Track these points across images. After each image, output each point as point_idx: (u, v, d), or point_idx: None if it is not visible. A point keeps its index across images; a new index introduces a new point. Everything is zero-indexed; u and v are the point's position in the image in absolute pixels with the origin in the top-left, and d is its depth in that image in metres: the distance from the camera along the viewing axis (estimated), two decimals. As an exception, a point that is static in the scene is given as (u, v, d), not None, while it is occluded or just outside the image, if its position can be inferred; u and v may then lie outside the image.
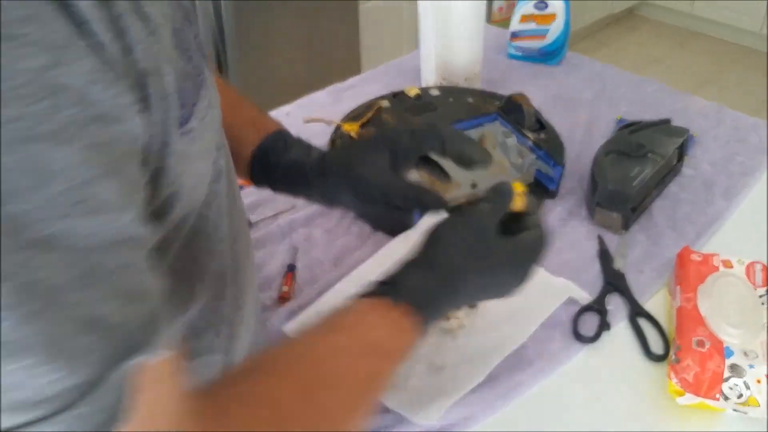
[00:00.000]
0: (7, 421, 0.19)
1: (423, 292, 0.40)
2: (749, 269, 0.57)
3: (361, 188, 0.47)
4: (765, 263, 0.58)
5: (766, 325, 0.52)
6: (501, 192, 0.45)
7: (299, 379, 0.33)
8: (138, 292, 0.22)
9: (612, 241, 0.67)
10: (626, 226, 0.67)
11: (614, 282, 0.61)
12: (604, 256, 0.65)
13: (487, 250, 0.42)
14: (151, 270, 0.24)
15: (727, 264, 0.58)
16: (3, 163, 0.18)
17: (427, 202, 0.49)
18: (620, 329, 0.58)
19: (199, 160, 0.31)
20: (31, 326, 0.19)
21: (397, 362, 0.38)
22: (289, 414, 0.31)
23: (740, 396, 0.48)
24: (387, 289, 0.40)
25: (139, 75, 0.24)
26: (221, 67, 1.55)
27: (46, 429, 0.19)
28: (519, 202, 0.46)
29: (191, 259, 0.35)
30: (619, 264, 0.63)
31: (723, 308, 0.53)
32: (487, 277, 0.42)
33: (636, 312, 0.59)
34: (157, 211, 0.28)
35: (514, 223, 0.45)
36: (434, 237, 0.43)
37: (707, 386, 0.49)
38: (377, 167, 0.48)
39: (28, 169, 0.19)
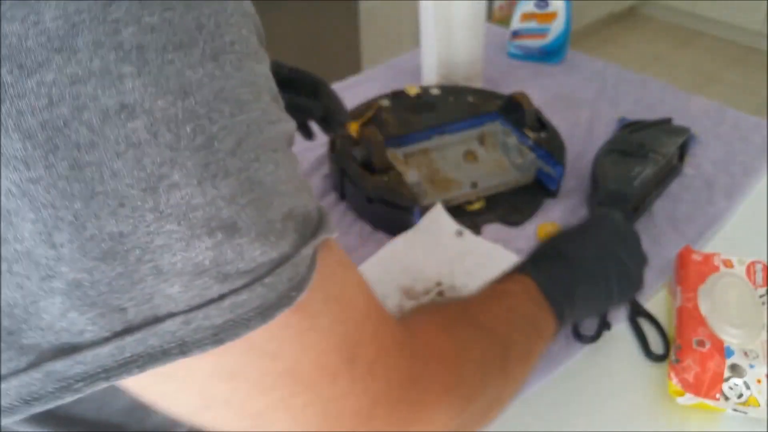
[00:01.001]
0: (219, 290, 0.21)
1: (556, 280, 0.44)
2: (750, 269, 0.57)
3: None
4: (765, 263, 0.58)
5: (766, 325, 0.52)
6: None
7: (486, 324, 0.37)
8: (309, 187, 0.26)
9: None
10: (627, 225, 0.67)
11: None
12: None
13: (619, 241, 0.49)
14: None
15: (728, 264, 0.58)
16: (233, 78, 0.21)
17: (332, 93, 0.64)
18: (620, 329, 0.58)
19: None
20: (250, 211, 0.22)
21: (543, 343, 0.42)
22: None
23: (740, 396, 0.48)
24: (526, 269, 0.45)
25: None
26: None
27: (244, 297, 0.22)
28: None
29: None
30: None
31: (724, 308, 0.53)
32: (620, 267, 0.47)
33: (636, 312, 0.59)
34: None
35: None
36: (566, 235, 0.50)
37: (707, 386, 0.49)
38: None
39: (247, 83, 0.22)
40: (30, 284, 0.19)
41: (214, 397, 0.23)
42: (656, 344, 0.56)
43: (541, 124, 0.77)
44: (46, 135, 0.17)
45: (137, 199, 0.19)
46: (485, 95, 0.85)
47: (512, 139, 0.76)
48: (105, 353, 0.20)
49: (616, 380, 0.54)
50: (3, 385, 0.20)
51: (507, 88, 0.87)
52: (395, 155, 0.74)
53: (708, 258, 0.59)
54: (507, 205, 0.72)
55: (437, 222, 0.68)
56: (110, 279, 0.19)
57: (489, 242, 0.66)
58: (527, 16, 1.01)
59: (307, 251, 0.24)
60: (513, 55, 1.06)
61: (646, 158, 0.70)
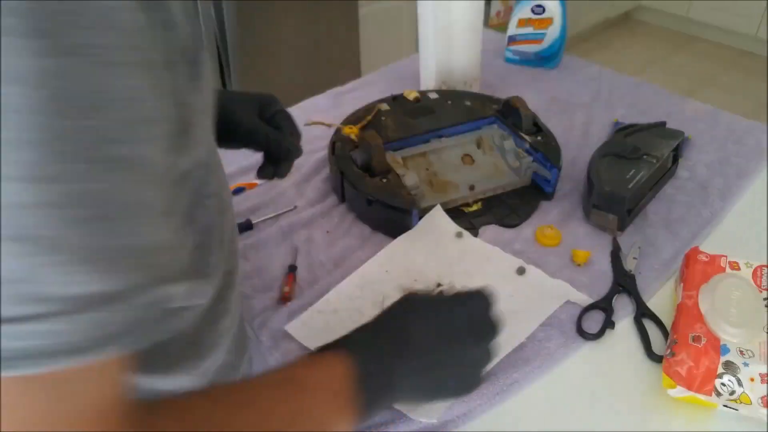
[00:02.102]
0: (8, 311, 0.19)
1: (382, 369, 0.39)
2: (756, 272, 0.58)
3: (232, 126, 0.54)
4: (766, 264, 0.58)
5: (766, 326, 0.52)
6: (487, 295, 0.46)
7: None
8: (178, 228, 0.24)
9: (605, 240, 0.68)
10: (622, 227, 0.68)
11: (623, 283, 0.62)
12: (616, 257, 0.65)
13: (471, 333, 0.43)
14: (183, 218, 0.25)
15: (734, 266, 0.58)
16: (77, 80, 0.20)
17: (283, 148, 0.58)
18: (624, 327, 0.59)
19: (205, 116, 0.33)
20: (73, 229, 0.20)
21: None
22: None
23: (733, 393, 0.49)
24: (352, 350, 0.39)
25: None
26: (223, 70, 1.56)
27: (46, 326, 0.20)
28: None
29: (190, 218, 0.36)
30: (630, 265, 0.64)
31: (724, 307, 0.53)
32: (442, 366, 0.42)
33: (642, 313, 0.59)
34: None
35: None
36: (420, 311, 0.43)
37: (700, 381, 0.50)
38: (247, 112, 0.57)
39: (92, 90, 0.20)
40: None
41: None
42: (660, 346, 0.56)
43: (537, 127, 0.78)
44: None
45: None
46: (482, 99, 0.86)
47: (509, 143, 0.77)
48: None
49: (615, 376, 0.55)
50: None
51: (504, 93, 0.89)
52: (394, 158, 0.75)
53: (714, 259, 0.59)
54: (504, 208, 0.73)
55: (437, 224, 0.69)
56: None
57: (488, 245, 0.67)
58: (524, 22, 1.02)
59: (144, 299, 0.22)
60: (510, 60, 1.07)
61: (640, 161, 0.71)
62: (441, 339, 0.42)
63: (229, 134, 0.55)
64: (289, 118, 0.60)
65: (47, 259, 0.19)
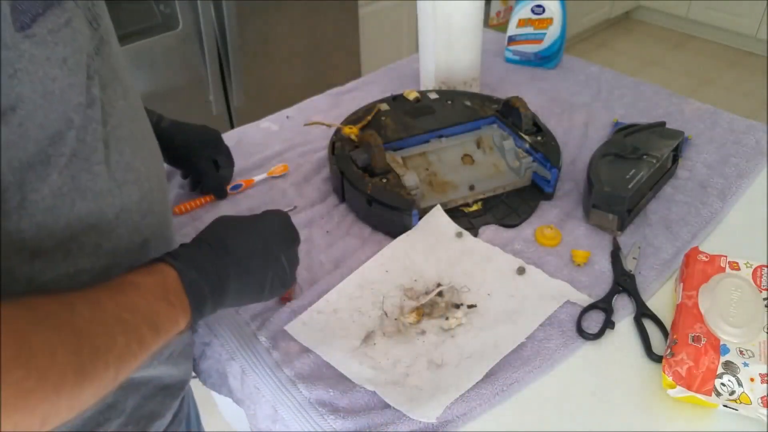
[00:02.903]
0: None
1: (209, 272, 0.46)
2: (756, 272, 0.58)
3: (176, 156, 0.71)
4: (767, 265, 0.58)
5: (766, 326, 0.52)
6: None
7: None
8: None
9: (605, 240, 0.68)
10: (621, 227, 0.68)
11: (623, 283, 0.62)
12: (616, 257, 0.65)
13: (281, 241, 0.52)
14: None
15: (734, 266, 0.58)
16: None
17: (215, 184, 0.75)
18: (623, 328, 0.59)
19: (51, 67, 0.36)
20: None
21: (162, 339, 0.42)
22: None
23: (732, 393, 0.49)
24: (177, 259, 0.45)
25: None
26: (223, 70, 1.56)
27: None
28: None
29: (71, 178, 0.39)
30: (630, 265, 0.64)
31: (724, 307, 0.53)
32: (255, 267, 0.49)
33: (642, 313, 0.59)
34: None
35: None
36: (233, 227, 0.51)
37: (700, 381, 0.50)
38: (190, 146, 0.72)
39: None
40: None
41: None
42: (660, 346, 0.56)
43: (537, 127, 0.78)
44: None
45: None
46: (482, 99, 0.86)
47: (509, 143, 0.78)
48: None
49: (615, 376, 0.55)
50: None
51: (504, 93, 0.89)
52: (394, 158, 0.75)
53: (714, 259, 0.59)
54: (504, 208, 0.73)
55: (437, 223, 0.69)
56: None
57: (488, 245, 0.67)
58: (524, 22, 1.02)
59: None
60: (510, 60, 1.07)
61: (640, 161, 0.71)
62: (257, 247, 0.50)
63: (174, 161, 0.73)
64: (226, 153, 0.75)
65: None
